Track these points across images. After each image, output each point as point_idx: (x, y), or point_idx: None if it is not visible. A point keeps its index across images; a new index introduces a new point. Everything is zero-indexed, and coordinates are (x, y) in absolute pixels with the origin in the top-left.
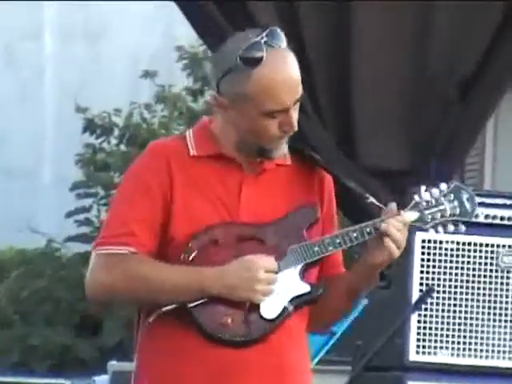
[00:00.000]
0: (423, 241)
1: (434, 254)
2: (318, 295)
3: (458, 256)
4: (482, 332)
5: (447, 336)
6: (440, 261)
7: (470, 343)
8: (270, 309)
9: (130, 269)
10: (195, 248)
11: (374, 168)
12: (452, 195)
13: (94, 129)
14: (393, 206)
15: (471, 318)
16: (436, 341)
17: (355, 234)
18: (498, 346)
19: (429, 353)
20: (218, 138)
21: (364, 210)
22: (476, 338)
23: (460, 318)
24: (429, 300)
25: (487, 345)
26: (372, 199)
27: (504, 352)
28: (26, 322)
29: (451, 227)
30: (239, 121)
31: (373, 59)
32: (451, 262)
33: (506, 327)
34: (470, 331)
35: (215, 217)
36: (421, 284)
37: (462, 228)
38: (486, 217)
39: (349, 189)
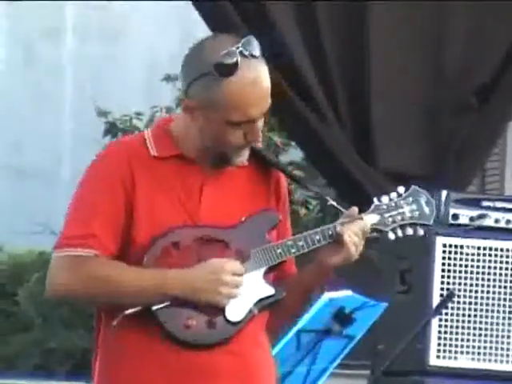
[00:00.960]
0: (444, 245)
1: (455, 259)
2: (282, 297)
3: (478, 261)
4: (503, 336)
5: (468, 340)
6: (461, 265)
7: (490, 347)
8: (235, 312)
9: (92, 271)
10: (157, 250)
11: (391, 172)
12: (410, 198)
13: (115, 132)
14: (354, 209)
15: (491, 323)
16: (457, 345)
17: (318, 237)
18: None
19: (449, 357)
20: (178, 138)
21: None
22: (496, 342)
23: (481, 322)
24: (449, 304)
25: (507, 349)
26: (332, 202)
27: None
28: (46, 324)
29: (410, 230)
30: (204, 125)
31: (389, 62)
32: (472, 266)
33: None
34: (491, 336)
35: (177, 218)
36: (441, 289)
37: (421, 232)
38: (508, 222)
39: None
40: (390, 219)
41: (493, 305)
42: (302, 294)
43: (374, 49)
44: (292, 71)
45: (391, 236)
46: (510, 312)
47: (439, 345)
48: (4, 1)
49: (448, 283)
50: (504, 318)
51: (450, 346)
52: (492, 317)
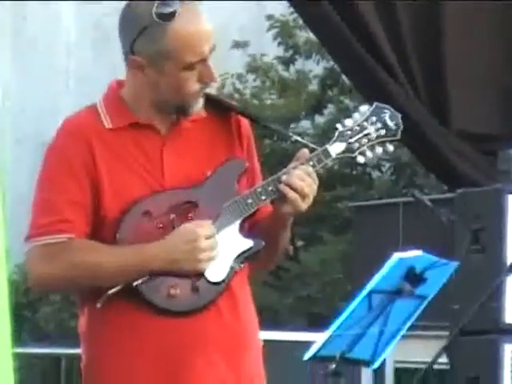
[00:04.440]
0: None
1: None
2: (262, 248)
3: None
4: None
5: None
6: None
7: None
8: (217, 271)
9: (70, 257)
10: (129, 223)
11: (466, 133)
12: (374, 117)
13: None
14: (303, 152)
15: None
16: None
17: (285, 177)
18: None
19: None
20: (130, 104)
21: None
22: None
23: None
24: None
25: None
26: (297, 137)
27: None
28: None
29: (379, 149)
30: (158, 79)
31: (464, 46)
32: None
33: None
34: None
35: (143, 187)
36: None
37: (390, 148)
38: None
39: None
40: (357, 144)
41: None
42: (269, 239)
43: (450, 33)
44: (372, 45)
45: (360, 159)
46: None
47: None
48: None
49: None
50: None
51: None
52: None
